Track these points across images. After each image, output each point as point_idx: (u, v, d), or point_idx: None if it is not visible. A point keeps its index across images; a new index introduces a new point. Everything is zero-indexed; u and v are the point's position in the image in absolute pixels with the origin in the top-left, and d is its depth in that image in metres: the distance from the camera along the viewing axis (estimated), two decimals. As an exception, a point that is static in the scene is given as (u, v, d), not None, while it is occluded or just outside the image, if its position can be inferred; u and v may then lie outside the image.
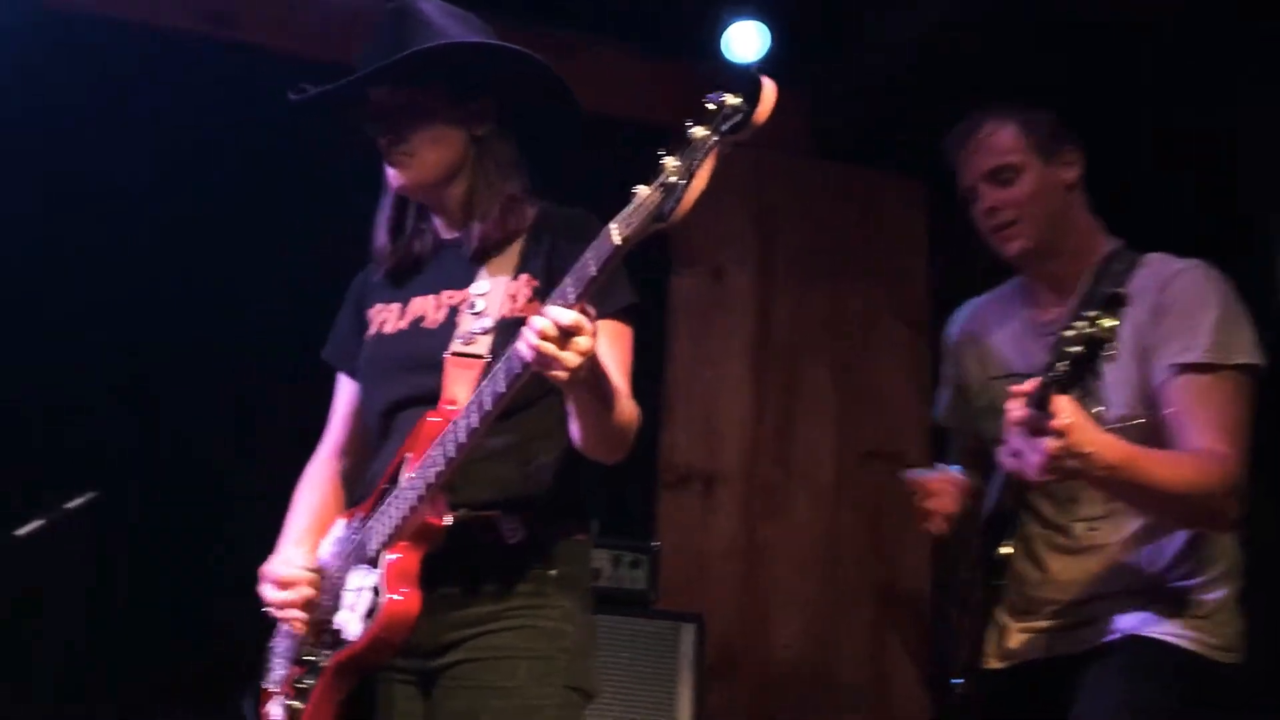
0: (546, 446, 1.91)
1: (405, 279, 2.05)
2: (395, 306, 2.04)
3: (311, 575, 1.94)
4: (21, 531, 2.68)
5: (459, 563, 1.86)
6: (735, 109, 1.57)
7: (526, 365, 1.67)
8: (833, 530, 4.05)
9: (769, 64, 3.83)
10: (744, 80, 1.58)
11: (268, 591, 1.96)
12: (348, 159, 2.13)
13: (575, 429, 1.83)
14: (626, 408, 1.85)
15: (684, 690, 3.29)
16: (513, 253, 1.98)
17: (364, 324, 2.08)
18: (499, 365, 1.73)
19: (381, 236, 2.08)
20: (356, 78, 1.97)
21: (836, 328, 4.19)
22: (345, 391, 2.14)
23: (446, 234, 2.06)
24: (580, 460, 1.91)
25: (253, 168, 3.58)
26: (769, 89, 1.58)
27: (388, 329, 2.02)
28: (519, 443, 1.89)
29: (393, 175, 2.00)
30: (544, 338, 1.63)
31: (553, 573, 1.90)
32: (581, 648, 1.92)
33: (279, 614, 1.96)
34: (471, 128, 1.99)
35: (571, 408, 1.80)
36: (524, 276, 1.95)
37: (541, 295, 1.90)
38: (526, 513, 1.89)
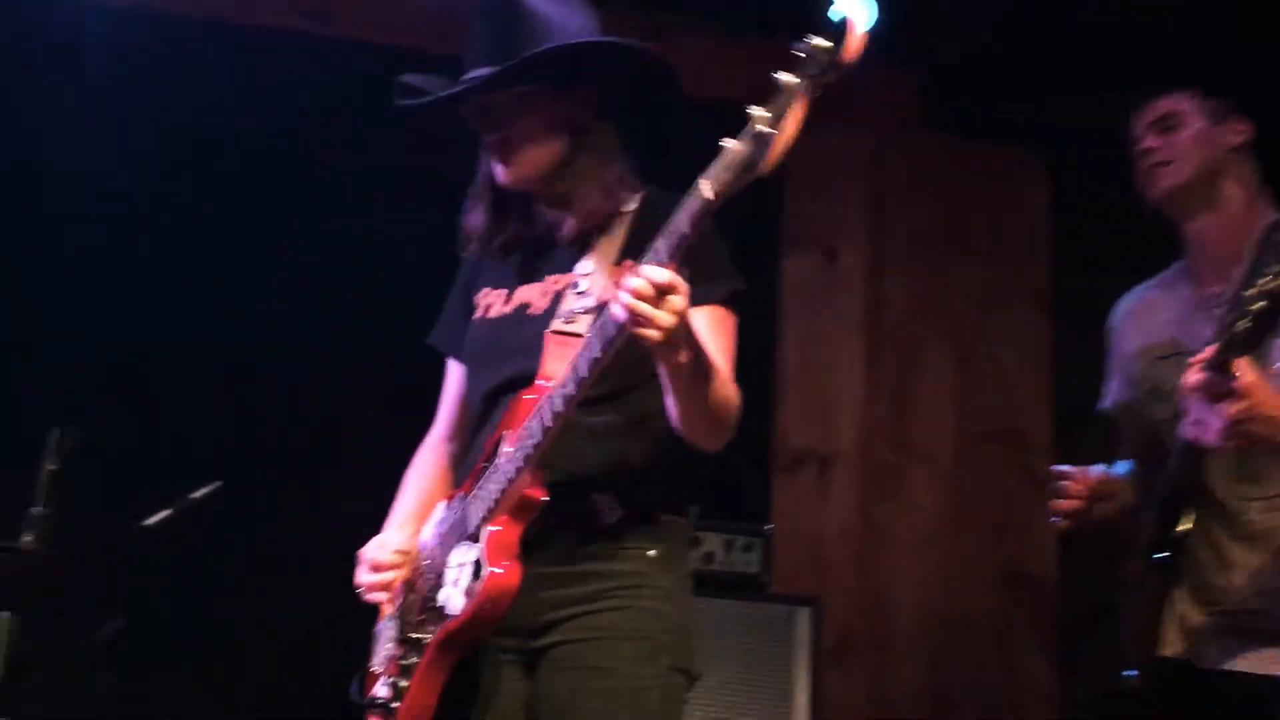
0: (647, 428, 1.90)
1: (512, 264, 2.05)
2: (502, 292, 2.04)
3: (400, 559, 1.96)
4: (150, 521, 2.76)
5: (557, 542, 1.86)
6: (822, 50, 1.55)
7: (621, 327, 1.66)
8: (953, 512, 3.96)
9: (876, 37, 3.76)
10: (830, 23, 1.56)
11: (359, 573, 1.99)
12: (447, 152, 2.12)
13: (672, 406, 1.81)
14: (726, 389, 1.83)
15: (801, 675, 3.25)
16: (617, 238, 1.97)
17: (471, 309, 2.08)
18: (593, 331, 1.73)
19: (475, 224, 2.08)
20: (464, 90, 1.96)
21: (954, 307, 4.10)
22: (454, 376, 2.15)
23: (551, 219, 2.04)
24: (681, 442, 1.89)
25: (355, 162, 3.63)
26: (856, 28, 1.55)
27: (492, 313, 2.03)
28: (620, 423, 1.89)
29: (499, 172, 2.00)
30: (638, 296, 1.62)
31: (651, 553, 1.89)
32: (684, 628, 1.90)
33: (365, 596, 1.99)
34: (575, 120, 1.99)
35: (667, 380, 1.78)
36: (627, 262, 1.92)
37: None
38: (625, 492, 1.89)
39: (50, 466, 2.68)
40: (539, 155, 1.97)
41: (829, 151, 4.06)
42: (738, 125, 1.62)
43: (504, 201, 2.06)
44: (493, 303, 2.04)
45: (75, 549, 2.67)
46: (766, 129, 1.56)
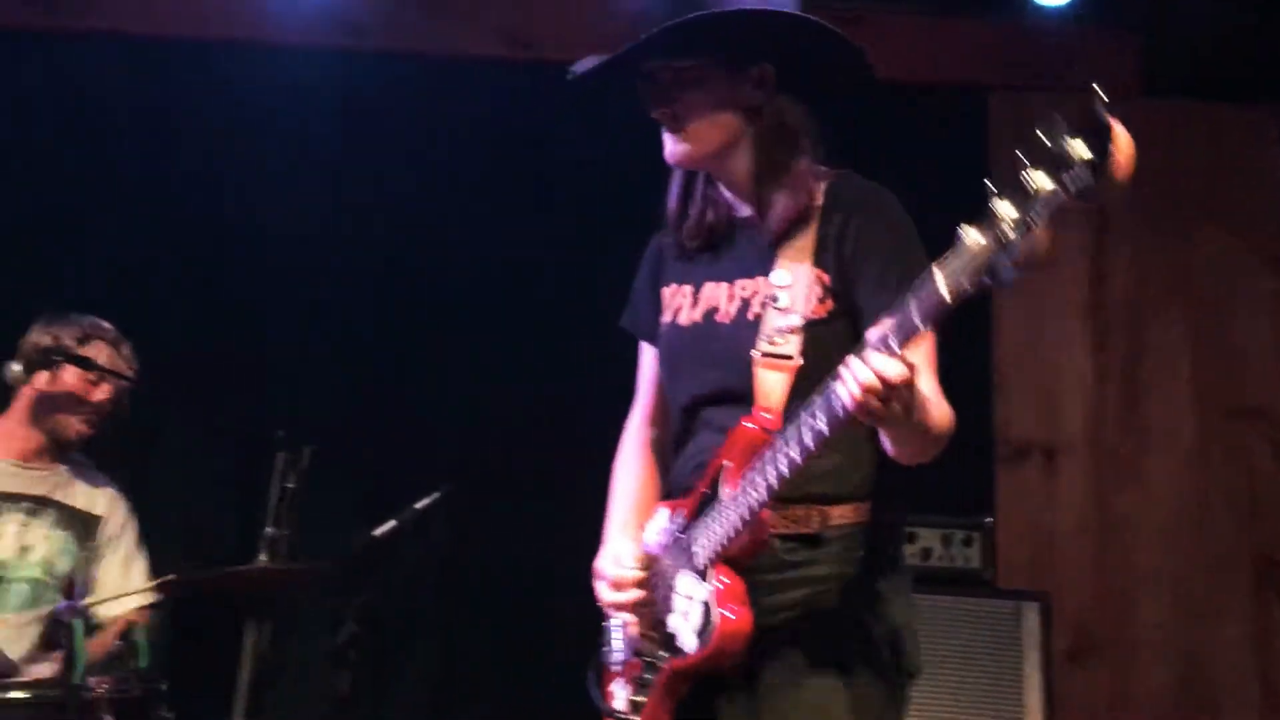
0: (854, 436, 1.84)
1: (698, 257, 2.02)
2: (688, 290, 2.02)
3: (642, 576, 1.96)
4: (378, 532, 2.89)
5: (767, 550, 1.86)
6: (1085, 166, 1.37)
7: (848, 412, 1.64)
8: (1198, 497, 3.75)
9: (1086, 3, 3.60)
10: (1090, 122, 1.38)
11: (602, 591, 2.01)
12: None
13: (887, 442, 1.80)
14: (938, 418, 1.77)
15: (1032, 674, 3.13)
16: (806, 237, 1.91)
17: (659, 300, 2.07)
18: (817, 403, 1.69)
19: (672, 206, 2.04)
20: (619, 55, 1.94)
21: (1185, 279, 3.87)
22: (648, 359, 2.14)
23: (737, 210, 2.00)
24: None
25: (566, 183, 3.71)
26: (1122, 140, 1.37)
27: (682, 319, 2.01)
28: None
29: (667, 150, 1.97)
30: (868, 391, 1.59)
31: (861, 554, 1.88)
32: (899, 626, 1.89)
33: (613, 614, 2.01)
34: (749, 98, 1.93)
35: (884, 428, 1.77)
36: (816, 272, 1.90)
37: (835, 296, 1.88)
38: (837, 502, 1.88)
39: (287, 484, 2.84)
40: (706, 133, 1.93)
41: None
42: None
43: (693, 184, 2.03)
44: (680, 304, 2.02)
45: (310, 561, 2.82)
46: (1013, 235, 1.42)
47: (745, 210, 1.99)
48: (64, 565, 3.00)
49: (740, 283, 1.96)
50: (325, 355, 3.71)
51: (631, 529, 2.04)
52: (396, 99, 3.78)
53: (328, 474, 2.93)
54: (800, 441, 1.70)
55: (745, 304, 1.93)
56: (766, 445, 1.78)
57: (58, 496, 3.05)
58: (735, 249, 1.99)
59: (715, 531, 1.83)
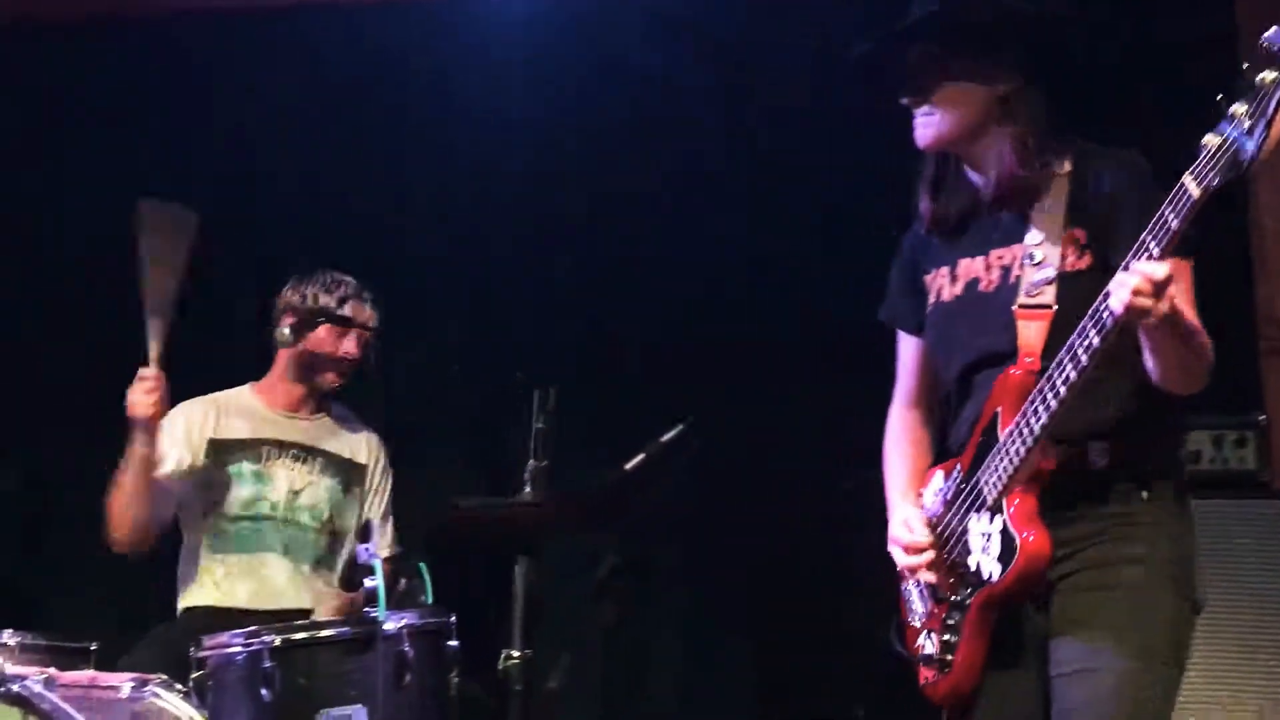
0: (1124, 373, 1.95)
1: (951, 239, 2.13)
2: (945, 271, 2.12)
3: (932, 538, 2.09)
4: (629, 466, 2.95)
5: (1058, 489, 1.95)
6: None
7: (1118, 319, 1.78)
8: None
9: None
10: None
11: (899, 555, 2.15)
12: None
13: (1152, 365, 1.91)
14: (1200, 341, 1.89)
15: (1320, 578, 2.99)
16: (1057, 202, 2.01)
17: (920, 288, 2.18)
18: (1087, 321, 1.82)
19: (924, 196, 2.15)
20: (881, 43, 2.07)
21: None
22: (907, 347, 2.27)
23: (986, 191, 2.08)
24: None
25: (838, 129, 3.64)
26: None
27: (945, 296, 2.12)
28: (1099, 376, 1.91)
29: (918, 135, 2.08)
30: (1138, 293, 1.73)
31: (1144, 494, 1.97)
32: (1184, 560, 1.99)
33: (912, 575, 2.14)
34: (995, 84, 2.03)
35: (1147, 341, 1.87)
36: (1072, 230, 1.99)
37: (1092, 250, 1.97)
38: (1113, 439, 1.96)
39: (538, 425, 2.94)
40: (952, 117, 2.05)
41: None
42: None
43: (944, 171, 2.13)
44: (941, 284, 2.13)
45: (572, 496, 2.92)
46: (1251, 124, 1.63)
47: (994, 190, 2.07)
48: (327, 510, 3.19)
49: (996, 252, 2.06)
50: (564, 295, 3.81)
51: (911, 496, 2.19)
52: (632, 39, 3.80)
53: (573, 412, 3.02)
54: (1076, 361, 1.84)
55: (1006, 270, 2.03)
56: (1033, 386, 1.91)
57: (324, 445, 3.24)
58: (987, 225, 2.09)
59: (1000, 467, 1.96)
